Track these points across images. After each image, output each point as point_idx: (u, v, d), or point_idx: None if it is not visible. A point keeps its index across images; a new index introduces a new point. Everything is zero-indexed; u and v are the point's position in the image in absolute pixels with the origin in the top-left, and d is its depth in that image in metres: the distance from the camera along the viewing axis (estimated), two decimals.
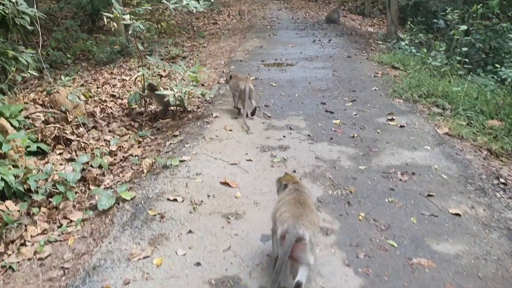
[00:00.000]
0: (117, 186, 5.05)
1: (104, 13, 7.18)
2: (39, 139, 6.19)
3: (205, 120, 6.88)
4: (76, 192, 5.03)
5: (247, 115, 6.82)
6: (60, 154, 6.15)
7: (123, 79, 10.45)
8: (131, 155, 6.12)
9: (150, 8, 7.25)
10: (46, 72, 7.84)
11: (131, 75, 10.76)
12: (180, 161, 5.44)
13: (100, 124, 7.22)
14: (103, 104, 8.14)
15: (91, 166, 5.49)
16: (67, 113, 7.06)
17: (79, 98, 7.49)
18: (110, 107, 8.09)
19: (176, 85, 6.85)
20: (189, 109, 7.26)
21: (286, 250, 2.98)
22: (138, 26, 6.80)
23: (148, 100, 7.81)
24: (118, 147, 6.28)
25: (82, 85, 10.52)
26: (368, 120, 6.99)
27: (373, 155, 5.81)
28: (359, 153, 5.85)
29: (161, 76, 10.07)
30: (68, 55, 12.35)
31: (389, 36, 15.15)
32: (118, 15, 7.02)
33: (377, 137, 6.34)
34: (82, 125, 6.93)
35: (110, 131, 7.06)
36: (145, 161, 5.42)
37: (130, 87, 9.55)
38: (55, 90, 7.19)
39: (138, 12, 6.92)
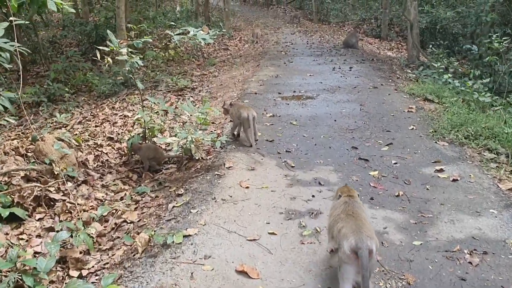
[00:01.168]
0: (103, 274, 3.90)
1: (97, 47, 6.14)
2: (15, 202, 5.08)
3: (216, 173, 5.74)
4: (51, 281, 3.89)
5: (256, 143, 6.56)
6: (40, 219, 5.04)
7: (125, 116, 9.40)
8: (126, 221, 4.99)
9: (150, 39, 6.19)
10: (35, 117, 6.67)
11: (133, 110, 9.71)
12: (184, 236, 4.28)
13: (92, 177, 6.11)
14: (98, 150, 7.05)
15: (72, 244, 4.33)
16: (53, 164, 5.97)
17: (69, 144, 6.43)
18: (106, 153, 7.00)
19: (180, 131, 5.74)
20: (197, 157, 6.13)
21: (366, 266, 3.04)
22: (136, 62, 5.74)
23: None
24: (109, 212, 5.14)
25: (80, 122, 9.51)
26: (412, 171, 5.80)
27: (427, 223, 4.60)
28: (410, 221, 4.64)
29: (166, 112, 9.00)
30: (67, 89, 11.35)
31: (410, 60, 14.07)
32: (115, 48, 5.98)
33: (427, 196, 5.14)
34: (71, 179, 5.85)
35: (103, 185, 5.95)
36: (140, 237, 4.27)
37: (132, 126, 8.48)
38: (40, 137, 6.12)
39: (137, 45, 5.86)
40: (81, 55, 14.71)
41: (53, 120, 10.39)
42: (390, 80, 11.11)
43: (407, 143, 6.76)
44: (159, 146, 6.66)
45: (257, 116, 6.68)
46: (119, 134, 8.14)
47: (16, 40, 12.52)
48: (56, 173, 5.87)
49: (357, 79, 11.25)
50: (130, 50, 5.98)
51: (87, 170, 6.30)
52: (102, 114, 9.76)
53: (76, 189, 5.79)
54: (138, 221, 4.97)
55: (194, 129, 6.11)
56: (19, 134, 7.95)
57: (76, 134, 8.50)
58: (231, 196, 5.14)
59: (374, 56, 15.13)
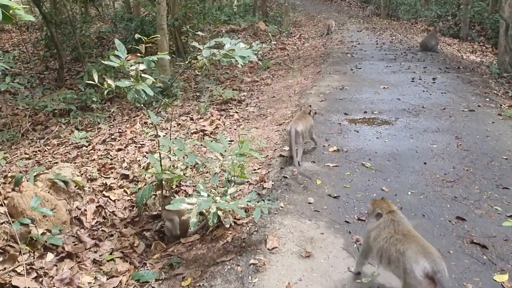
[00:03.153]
0: None
1: (103, 61, 4.37)
2: None
3: (252, 261, 3.83)
4: None
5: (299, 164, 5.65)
6: None
7: (156, 136, 7.68)
8: None
9: (162, 55, 4.32)
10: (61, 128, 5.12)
11: (167, 129, 7.98)
12: None
13: (84, 244, 4.38)
14: (104, 196, 5.33)
15: None
16: (35, 224, 4.32)
17: (64, 189, 4.77)
18: (114, 201, 5.26)
19: (200, 197, 3.86)
20: (227, 225, 4.26)
21: None
22: (143, 90, 3.92)
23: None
24: None
25: (104, 141, 7.92)
26: None
27: None
28: None
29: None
30: (94, 98, 9.81)
31: (501, 67, 11.47)
32: (124, 64, 4.21)
33: None
34: (53, 249, 4.17)
35: (95, 261, 4.20)
36: None
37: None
38: (18, 185, 4.47)
39: (148, 65, 4.03)
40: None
41: (78, 129, 8.93)
42: (488, 99, 8.70)
43: None
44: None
45: (303, 130, 5.91)
46: (140, 165, 6.41)
47: (51, 36, 11.11)
48: (34, 239, 4.21)
49: (444, 96, 8.92)
50: (141, 69, 4.17)
51: (80, 232, 4.58)
52: (131, 132, 8.11)
53: (56, 265, 4.08)
54: None
55: (222, 190, 4.23)
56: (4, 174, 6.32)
57: (93, 160, 6.90)
58: None
59: (459, 63, 12.61)
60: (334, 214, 4.59)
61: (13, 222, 4.20)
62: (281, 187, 5.22)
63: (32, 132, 9.43)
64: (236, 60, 4.05)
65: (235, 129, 7.81)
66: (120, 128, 8.51)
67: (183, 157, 4.25)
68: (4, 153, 8.11)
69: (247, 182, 5.19)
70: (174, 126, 8.10)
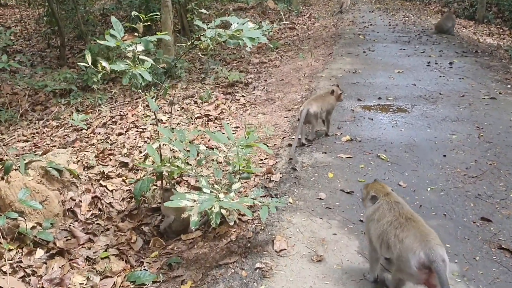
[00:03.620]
0: None
1: (97, 40, 3.96)
2: None
3: (258, 265, 3.48)
4: None
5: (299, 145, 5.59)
6: None
7: (159, 120, 7.32)
8: None
9: (167, 37, 3.90)
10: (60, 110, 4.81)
11: (169, 114, 7.60)
12: None
13: (77, 240, 4.06)
14: (101, 185, 4.99)
15: None
16: (24, 218, 4.00)
17: (58, 178, 4.44)
18: (112, 191, 4.92)
19: (202, 194, 3.49)
20: (231, 223, 3.91)
21: (445, 280, 2.59)
22: (139, 75, 3.53)
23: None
24: None
25: (104, 124, 7.57)
26: None
27: None
28: None
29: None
30: (95, 78, 9.39)
31: None
32: (120, 44, 3.82)
33: None
34: (43, 244, 3.85)
35: (88, 258, 3.88)
36: None
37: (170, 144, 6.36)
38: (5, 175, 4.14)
39: (146, 46, 3.63)
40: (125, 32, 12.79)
41: (78, 110, 8.59)
42: (510, 86, 8.23)
43: None
44: None
45: (317, 112, 5.67)
46: (141, 152, 6.05)
47: (52, 13, 10.61)
48: (23, 234, 3.89)
49: (462, 82, 8.46)
50: (139, 50, 3.78)
51: (73, 226, 4.26)
52: (133, 115, 7.74)
53: (46, 263, 3.77)
54: None
55: (226, 184, 3.87)
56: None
57: (92, 145, 6.56)
58: None
59: (476, 46, 12.07)
60: (347, 212, 4.23)
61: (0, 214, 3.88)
62: (290, 180, 4.85)
63: (31, 113, 9.08)
64: (244, 42, 3.64)
65: (241, 115, 7.42)
66: (121, 111, 8.15)
67: (184, 149, 3.87)
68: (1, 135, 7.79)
69: (253, 174, 4.81)
70: (178, 110, 7.73)
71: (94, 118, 8.03)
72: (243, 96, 8.38)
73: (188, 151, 3.77)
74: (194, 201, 3.44)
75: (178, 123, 7.20)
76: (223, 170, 4.60)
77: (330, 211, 4.22)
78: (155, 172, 4.21)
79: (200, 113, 7.48)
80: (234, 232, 3.99)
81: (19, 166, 4.44)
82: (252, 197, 3.74)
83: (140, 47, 3.77)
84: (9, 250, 3.75)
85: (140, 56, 3.89)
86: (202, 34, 3.94)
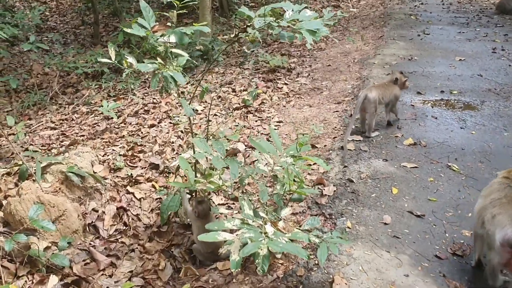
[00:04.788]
0: None
1: (125, 28, 3.26)
2: None
3: None
4: None
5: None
6: None
7: (195, 111, 6.67)
8: None
9: (208, 29, 3.15)
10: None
11: (205, 103, 6.94)
12: None
13: (97, 264, 3.47)
14: (128, 192, 4.37)
15: None
16: (37, 236, 3.44)
17: (80, 185, 3.87)
18: (140, 200, 4.30)
19: (246, 224, 2.80)
20: (278, 255, 3.23)
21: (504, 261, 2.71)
22: (170, 77, 2.84)
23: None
24: None
25: (136, 113, 6.98)
26: None
27: None
28: None
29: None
30: (125, 60, 8.78)
31: None
32: (149, 38, 3.14)
33: None
34: (59, 269, 3.28)
35: None
36: None
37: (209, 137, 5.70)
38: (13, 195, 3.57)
39: (180, 41, 2.93)
40: (161, 9, 12.11)
41: (110, 95, 8.04)
42: None
43: None
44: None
45: (375, 99, 5.13)
46: (173, 150, 5.43)
47: None
48: (34, 258, 3.33)
49: None
50: (171, 44, 3.09)
51: (94, 244, 3.67)
52: (166, 103, 7.12)
53: None
54: None
55: (273, 206, 3.16)
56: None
57: (122, 137, 6.00)
58: None
59: None
60: (419, 243, 3.47)
61: (9, 234, 3.32)
62: (346, 195, 4.12)
63: (62, 96, 8.60)
64: (303, 36, 2.87)
65: (284, 106, 6.67)
66: (154, 98, 7.53)
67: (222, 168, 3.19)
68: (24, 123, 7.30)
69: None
70: (214, 99, 7.04)
71: (126, 105, 7.46)
72: (285, 84, 7.61)
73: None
74: (235, 232, 2.78)
75: (215, 115, 6.54)
76: (267, 186, 3.90)
77: (398, 242, 3.48)
78: (187, 188, 3.54)
79: (239, 103, 6.77)
80: (281, 265, 3.31)
81: (35, 171, 3.88)
82: (306, 228, 3.03)
83: (173, 39, 3.06)
84: (18, 277, 3.20)
85: (173, 50, 3.19)
86: (248, 24, 3.20)
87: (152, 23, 3.15)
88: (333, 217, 3.79)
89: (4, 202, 3.59)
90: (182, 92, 7.49)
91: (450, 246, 3.43)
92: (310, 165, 4.77)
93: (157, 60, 3.04)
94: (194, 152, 3.50)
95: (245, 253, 2.53)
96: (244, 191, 3.31)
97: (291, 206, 3.86)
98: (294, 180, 3.29)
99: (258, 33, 3.07)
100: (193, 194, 3.78)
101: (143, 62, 3.03)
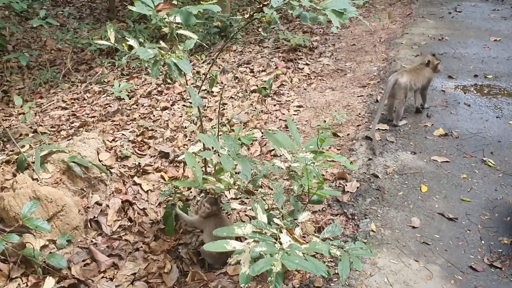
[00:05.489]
0: None
1: (130, 7, 2.91)
2: None
3: None
4: None
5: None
6: None
7: (208, 92, 6.34)
8: None
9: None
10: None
11: (221, 85, 6.58)
12: None
13: (98, 265, 3.21)
14: (133, 186, 4.08)
15: None
16: (33, 234, 3.18)
17: (82, 175, 3.60)
18: (146, 192, 4.01)
19: (258, 234, 2.47)
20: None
21: None
22: (173, 64, 2.49)
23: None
24: None
25: (149, 93, 6.69)
26: None
27: None
28: None
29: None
30: (141, 38, 8.44)
31: None
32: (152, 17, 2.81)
33: None
34: (56, 270, 3.03)
35: None
36: None
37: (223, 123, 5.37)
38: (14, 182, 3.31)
39: (186, 21, 2.56)
40: None
41: (123, 74, 7.74)
42: None
43: None
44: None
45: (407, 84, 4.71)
46: (186, 136, 5.12)
47: None
48: (29, 258, 3.07)
49: None
50: (177, 24, 2.75)
51: (96, 242, 3.40)
52: (180, 84, 6.78)
53: None
54: None
55: (286, 211, 2.83)
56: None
57: (134, 120, 5.72)
58: None
59: None
60: (452, 252, 3.11)
61: (3, 232, 3.07)
62: (370, 192, 3.76)
63: (74, 74, 8.33)
64: (327, 18, 2.49)
65: (305, 89, 6.27)
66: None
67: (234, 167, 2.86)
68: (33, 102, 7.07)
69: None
70: (230, 81, 6.67)
71: (139, 85, 7.16)
72: (307, 64, 7.18)
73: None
74: (245, 240, 2.47)
75: (231, 97, 6.19)
76: (285, 178, 3.56)
77: (427, 249, 3.13)
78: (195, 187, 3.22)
79: (256, 85, 6.39)
80: (297, 274, 3.00)
81: (34, 160, 3.61)
82: (326, 236, 2.69)
83: (178, 19, 2.71)
84: (11, 279, 2.96)
85: (180, 31, 2.84)
86: (264, 3, 2.81)
87: (157, 1, 2.79)
88: (355, 217, 3.45)
89: None
90: (198, 72, 7.15)
91: (487, 256, 3.07)
92: (333, 161, 4.39)
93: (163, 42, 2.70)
94: (203, 147, 3.17)
95: (256, 271, 2.21)
96: (257, 190, 2.99)
97: (311, 206, 3.51)
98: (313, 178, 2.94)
99: (276, 13, 2.69)
100: (202, 192, 3.46)
101: (158, 36, 2.69)
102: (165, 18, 2.80)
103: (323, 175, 3.98)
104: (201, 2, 2.73)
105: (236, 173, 3.18)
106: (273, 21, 2.90)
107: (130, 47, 2.76)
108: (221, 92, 5.06)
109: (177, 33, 2.80)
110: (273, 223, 2.65)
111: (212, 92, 6.34)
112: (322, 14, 2.53)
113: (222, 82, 6.61)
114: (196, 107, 3.05)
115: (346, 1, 2.66)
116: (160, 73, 2.58)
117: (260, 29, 8.03)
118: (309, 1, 2.58)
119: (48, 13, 7.95)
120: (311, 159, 2.90)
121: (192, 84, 6.74)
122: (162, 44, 2.69)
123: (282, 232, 2.55)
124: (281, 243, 2.44)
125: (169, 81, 2.83)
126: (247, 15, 3.00)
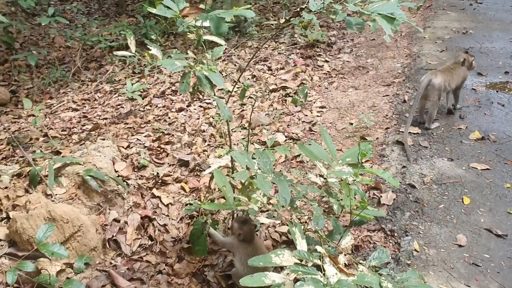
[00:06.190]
0: None
1: (149, 8, 2.63)
2: None
3: None
4: None
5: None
6: None
7: (226, 92, 6.05)
8: None
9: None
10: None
11: (237, 84, 6.29)
12: None
13: None
14: (153, 198, 3.82)
15: None
16: (49, 258, 2.94)
17: (99, 190, 3.36)
18: (168, 205, 3.76)
19: (299, 264, 2.21)
20: None
21: None
22: (200, 74, 2.23)
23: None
24: None
25: (163, 93, 6.43)
26: None
27: None
28: None
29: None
30: (153, 35, 8.17)
31: None
32: (177, 21, 2.53)
33: None
34: None
35: None
36: None
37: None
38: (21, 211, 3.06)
39: (216, 28, 2.30)
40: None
41: (134, 72, 7.48)
42: None
43: None
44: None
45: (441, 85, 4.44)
46: (205, 141, 4.85)
47: None
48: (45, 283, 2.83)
49: None
50: (204, 29, 2.48)
51: (115, 263, 3.16)
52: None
53: None
54: None
55: (325, 235, 2.56)
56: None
57: (148, 122, 5.47)
58: None
59: None
60: (505, 274, 2.84)
61: (15, 257, 2.83)
62: (409, 205, 3.48)
63: (84, 72, 8.08)
64: (377, 24, 2.20)
65: (326, 88, 5.99)
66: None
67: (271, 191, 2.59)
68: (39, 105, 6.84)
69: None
70: (248, 78, 6.39)
71: (151, 84, 6.90)
72: (326, 61, 6.88)
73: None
74: (285, 271, 2.21)
75: (249, 97, 5.91)
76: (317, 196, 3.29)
77: (478, 271, 2.86)
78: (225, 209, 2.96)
79: (276, 84, 6.11)
80: None
81: (47, 174, 3.37)
82: (373, 263, 2.43)
83: (207, 25, 2.43)
84: None
85: (206, 36, 2.57)
86: (302, 7, 2.53)
87: (182, 5, 2.51)
88: (395, 234, 3.18)
89: (11, 214, 3.09)
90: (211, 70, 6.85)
91: None
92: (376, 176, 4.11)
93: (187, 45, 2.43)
94: (231, 161, 2.90)
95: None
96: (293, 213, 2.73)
97: (353, 229, 3.23)
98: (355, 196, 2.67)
99: (315, 18, 2.41)
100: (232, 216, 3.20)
101: (173, 37, 2.41)
102: (193, 26, 2.52)
103: (370, 218, 3.71)
104: (234, 8, 2.44)
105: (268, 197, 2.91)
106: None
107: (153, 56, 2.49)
108: (253, 103, 4.75)
109: (204, 40, 2.52)
110: (313, 250, 2.39)
111: (229, 91, 6.06)
112: (371, 20, 2.24)
113: (239, 81, 6.33)
114: (225, 120, 2.77)
115: (394, 4, 2.37)
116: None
117: (295, 35, 7.69)
118: (354, 4, 2.29)
119: (56, 9, 7.65)
120: (350, 173, 2.63)
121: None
122: (190, 54, 2.41)
123: (325, 262, 2.29)
124: (326, 276, 2.17)
125: (198, 94, 2.56)
126: (282, 20, 2.71)
